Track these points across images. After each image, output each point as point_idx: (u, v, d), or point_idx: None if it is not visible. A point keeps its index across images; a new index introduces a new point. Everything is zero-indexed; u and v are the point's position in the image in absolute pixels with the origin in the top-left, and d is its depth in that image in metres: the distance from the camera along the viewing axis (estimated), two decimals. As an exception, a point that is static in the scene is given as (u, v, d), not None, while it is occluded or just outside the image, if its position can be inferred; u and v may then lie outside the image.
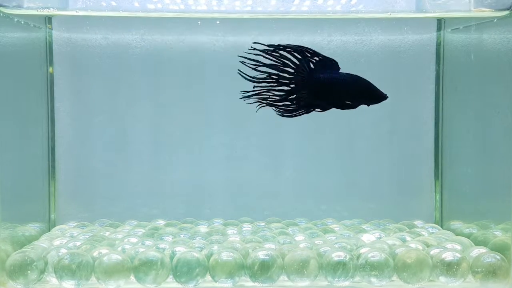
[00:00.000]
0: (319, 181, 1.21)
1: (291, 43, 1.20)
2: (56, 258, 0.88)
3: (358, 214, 1.19)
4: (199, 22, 1.15)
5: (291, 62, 0.94)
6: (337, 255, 0.88)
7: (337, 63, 0.94)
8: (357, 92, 0.93)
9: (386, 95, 0.94)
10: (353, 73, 0.94)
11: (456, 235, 1.06)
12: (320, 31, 1.18)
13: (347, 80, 0.93)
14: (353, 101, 0.93)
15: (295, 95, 0.94)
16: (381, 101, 0.94)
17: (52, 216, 1.18)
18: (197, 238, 1.01)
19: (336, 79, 0.93)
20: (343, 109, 0.94)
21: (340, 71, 0.94)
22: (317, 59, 0.93)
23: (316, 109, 0.95)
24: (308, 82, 0.93)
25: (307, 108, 0.95)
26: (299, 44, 0.94)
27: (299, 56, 0.94)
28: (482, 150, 1.06)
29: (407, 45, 1.17)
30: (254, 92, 0.95)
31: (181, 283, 0.87)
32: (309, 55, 0.93)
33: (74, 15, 1.05)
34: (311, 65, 0.93)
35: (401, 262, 0.88)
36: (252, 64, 0.95)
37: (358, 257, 0.88)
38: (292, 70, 0.94)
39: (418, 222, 1.16)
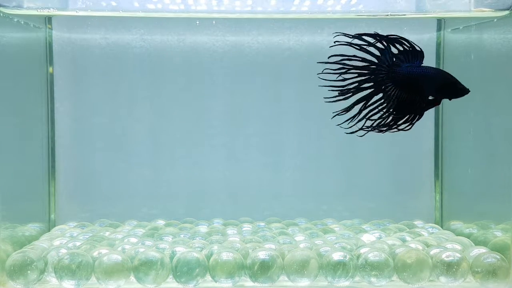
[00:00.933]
0: (319, 181, 1.21)
1: (292, 43, 1.20)
2: (56, 258, 0.88)
3: (358, 214, 1.19)
4: (197, 22, 1.15)
5: (372, 55, 0.83)
6: (337, 255, 0.88)
7: (423, 52, 0.84)
8: (442, 86, 0.85)
9: (468, 89, 0.86)
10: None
11: (456, 235, 1.06)
12: (320, 31, 1.18)
13: (433, 73, 0.84)
14: (438, 96, 0.85)
15: (382, 98, 0.84)
16: (464, 95, 0.86)
17: (52, 216, 1.18)
18: (197, 238, 1.01)
19: (423, 73, 0.83)
20: (427, 108, 0.85)
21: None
22: (403, 48, 0.83)
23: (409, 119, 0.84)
24: (391, 77, 0.84)
25: (397, 107, 0.83)
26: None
27: (381, 46, 0.83)
28: (482, 150, 1.06)
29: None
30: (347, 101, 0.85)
31: (181, 283, 0.87)
32: (396, 44, 0.83)
33: (74, 15, 1.05)
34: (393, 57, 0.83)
35: (401, 262, 0.88)
36: (336, 67, 0.84)
37: (358, 257, 0.88)
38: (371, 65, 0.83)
39: (418, 222, 1.16)
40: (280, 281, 0.88)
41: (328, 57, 0.84)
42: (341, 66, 0.84)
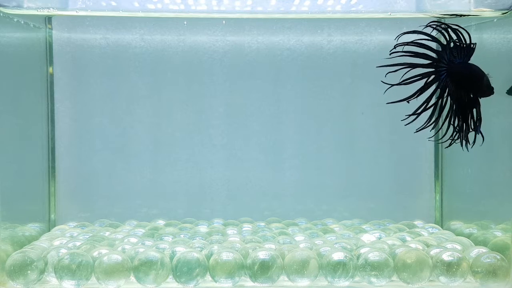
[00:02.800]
0: (319, 181, 1.21)
1: (292, 43, 1.20)
2: (56, 258, 0.88)
3: (358, 214, 1.19)
4: (185, 23, 1.15)
5: (430, 49, 0.78)
6: (337, 255, 0.88)
7: (474, 49, 0.79)
8: (484, 85, 0.81)
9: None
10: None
11: (456, 235, 1.06)
12: (320, 31, 1.18)
13: (480, 71, 0.80)
14: (478, 95, 0.80)
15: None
16: (490, 95, 0.82)
17: (52, 216, 1.18)
18: (197, 238, 1.01)
19: (474, 70, 0.79)
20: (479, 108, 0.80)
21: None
22: (458, 42, 0.78)
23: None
24: (450, 75, 0.79)
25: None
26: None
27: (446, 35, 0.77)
28: (482, 150, 1.06)
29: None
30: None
31: (181, 283, 0.87)
32: (454, 36, 0.77)
33: (74, 15, 1.05)
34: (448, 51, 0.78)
35: (401, 262, 0.88)
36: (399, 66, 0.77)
37: (358, 257, 0.88)
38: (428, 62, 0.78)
39: (418, 222, 1.16)
40: (280, 281, 0.88)
41: (390, 53, 0.80)
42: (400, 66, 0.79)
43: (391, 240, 0.98)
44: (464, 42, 0.80)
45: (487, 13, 0.98)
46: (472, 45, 0.80)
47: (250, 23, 1.17)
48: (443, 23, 0.81)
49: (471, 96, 0.81)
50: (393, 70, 0.79)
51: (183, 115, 1.19)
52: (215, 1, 1.01)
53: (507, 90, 0.89)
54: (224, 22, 1.15)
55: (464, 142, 0.81)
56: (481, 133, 0.81)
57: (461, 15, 0.85)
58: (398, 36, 0.79)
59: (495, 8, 0.97)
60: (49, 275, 0.88)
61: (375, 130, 1.20)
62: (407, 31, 0.80)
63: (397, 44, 0.79)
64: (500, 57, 0.99)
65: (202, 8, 1.03)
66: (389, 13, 1.03)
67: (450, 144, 0.81)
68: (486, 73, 0.82)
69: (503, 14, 0.97)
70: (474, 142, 0.81)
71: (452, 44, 0.80)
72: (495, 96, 0.86)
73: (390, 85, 0.79)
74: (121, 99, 1.18)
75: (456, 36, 0.79)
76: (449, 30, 0.79)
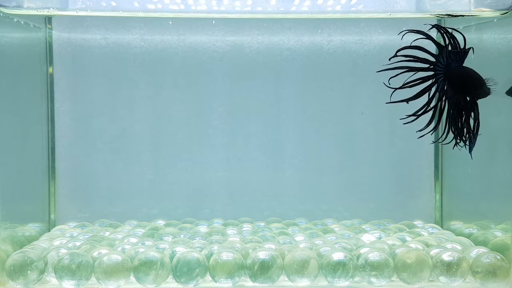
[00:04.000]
0: (319, 181, 1.21)
1: (292, 43, 1.20)
2: (56, 258, 0.88)
3: (358, 214, 1.19)
4: (170, 23, 1.15)
5: (428, 53, 0.78)
6: (337, 255, 0.88)
7: (469, 50, 0.79)
8: (481, 88, 0.81)
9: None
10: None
11: (456, 235, 1.06)
12: (320, 31, 1.18)
13: (477, 75, 0.81)
14: (474, 97, 0.81)
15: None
16: (486, 96, 0.82)
17: (52, 216, 1.18)
18: (197, 238, 1.01)
19: (470, 74, 0.80)
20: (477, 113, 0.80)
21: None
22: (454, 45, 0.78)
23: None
24: (447, 79, 0.79)
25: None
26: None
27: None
28: (482, 150, 1.06)
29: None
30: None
31: (181, 283, 0.87)
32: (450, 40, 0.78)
33: (74, 15, 1.05)
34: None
35: (401, 262, 0.88)
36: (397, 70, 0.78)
37: (358, 257, 0.88)
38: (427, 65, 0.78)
39: (418, 222, 1.16)
40: (280, 281, 0.88)
41: (390, 58, 0.81)
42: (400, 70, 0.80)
43: (391, 240, 0.98)
44: (458, 46, 0.80)
45: (487, 13, 0.98)
46: (467, 49, 0.81)
47: (250, 23, 1.17)
48: (441, 26, 0.81)
49: (469, 99, 0.82)
50: (394, 75, 0.80)
51: (183, 115, 1.19)
52: (215, 1, 1.01)
53: (507, 91, 0.90)
54: (213, 22, 1.15)
55: (463, 145, 0.81)
56: (473, 143, 0.81)
57: (459, 15, 0.85)
58: (402, 35, 0.80)
59: (495, 8, 0.97)
60: (49, 275, 0.88)
61: (375, 130, 1.20)
62: (411, 29, 0.81)
63: (398, 49, 0.80)
64: (500, 57, 0.99)
65: (202, 8, 1.03)
66: (389, 13, 1.03)
67: (454, 146, 0.82)
68: (486, 78, 0.82)
69: (503, 14, 0.97)
70: (475, 143, 0.81)
71: (449, 48, 0.80)
72: (495, 97, 0.86)
73: (394, 89, 0.80)
74: (121, 99, 1.18)
75: (452, 39, 0.80)
76: (447, 34, 0.80)
